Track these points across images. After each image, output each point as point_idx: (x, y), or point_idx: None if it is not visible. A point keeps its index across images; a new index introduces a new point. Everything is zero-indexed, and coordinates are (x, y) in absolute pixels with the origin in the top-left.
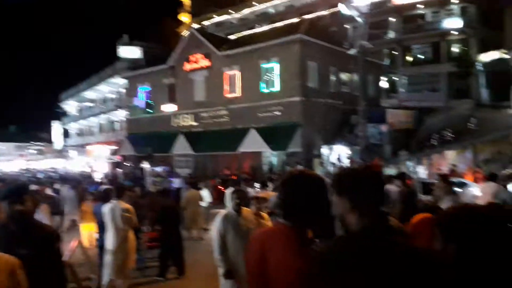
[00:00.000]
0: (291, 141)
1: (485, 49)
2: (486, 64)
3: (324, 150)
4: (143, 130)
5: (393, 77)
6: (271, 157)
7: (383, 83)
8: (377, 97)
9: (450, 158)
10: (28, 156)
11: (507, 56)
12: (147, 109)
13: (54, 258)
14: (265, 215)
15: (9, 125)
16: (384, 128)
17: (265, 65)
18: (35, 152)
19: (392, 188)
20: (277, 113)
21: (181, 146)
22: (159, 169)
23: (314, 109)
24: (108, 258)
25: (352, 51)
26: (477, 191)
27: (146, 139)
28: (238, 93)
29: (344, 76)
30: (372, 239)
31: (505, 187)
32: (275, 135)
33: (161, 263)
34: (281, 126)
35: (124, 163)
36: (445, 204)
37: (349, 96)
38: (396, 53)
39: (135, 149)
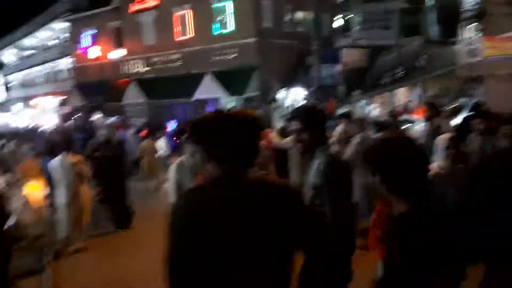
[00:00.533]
0: (248, 85)
1: None
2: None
3: (281, 93)
4: (92, 78)
5: (348, 16)
6: (229, 103)
7: (338, 22)
8: (332, 36)
9: (401, 95)
10: None
11: None
12: (95, 55)
13: None
14: None
15: None
16: (338, 67)
17: (217, 5)
18: None
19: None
20: (233, 55)
21: (133, 94)
22: (111, 119)
23: (270, 51)
24: (61, 214)
25: None
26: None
27: (96, 87)
28: (190, 35)
29: (299, 14)
30: (221, 187)
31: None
32: (231, 80)
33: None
34: (238, 69)
35: (74, 115)
36: (354, 141)
37: (305, 36)
38: None
39: (85, 99)
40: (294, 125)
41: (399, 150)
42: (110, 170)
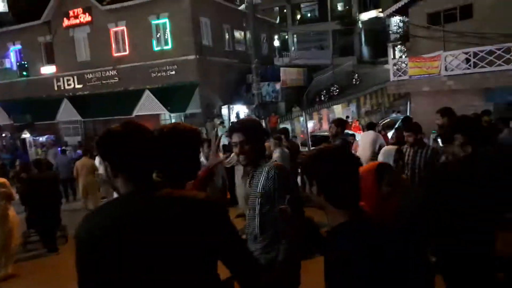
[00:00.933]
0: (189, 101)
1: (365, 8)
2: (365, 22)
3: (224, 110)
4: (18, 96)
5: (285, 36)
6: (170, 119)
7: (276, 42)
8: (271, 55)
9: (337, 112)
10: None
11: (382, 15)
12: (21, 72)
13: None
14: None
15: None
16: (277, 85)
17: (155, 21)
18: None
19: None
20: (172, 72)
21: (67, 112)
22: (43, 138)
23: (211, 68)
24: None
25: (242, 7)
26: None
27: (24, 105)
28: (126, 51)
29: (238, 34)
30: (127, 204)
31: (385, 134)
32: (172, 96)
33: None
34: (178, 86)
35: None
36: (275, 155)
37: (244, 55)
38: (285, 11)
39: (11, 118)
40: (237, 137)
41: (335, 160)
42: (41, 192)
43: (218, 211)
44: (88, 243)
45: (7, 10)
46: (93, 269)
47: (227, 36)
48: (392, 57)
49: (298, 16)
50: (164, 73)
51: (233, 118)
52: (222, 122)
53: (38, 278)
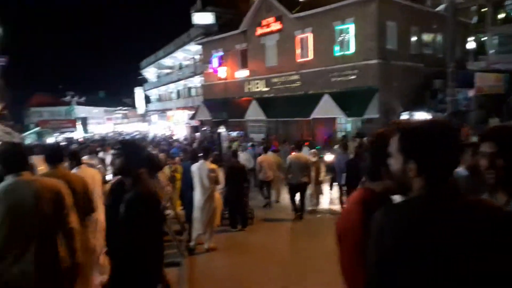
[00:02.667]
0: (367, 107)
1: None
2: None
3: (404, 116)
4: (218, 96)
5: (482, 37)
6: (346, 123)
7: (470, 44)
8: (463, 59)
9: None
10: (114, 120)
11: None
12: (221, 75)
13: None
14: None
15: (99, 91)
16: (471, 93)
17: (339, 27)
18: (121, 116)
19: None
20: (352, 77)
21: (254, 112)
22: (234, 133)
23: (393, 73)
24: (196, 215)
25: (440, 7)
26: None
27: (221, 104)
28: (310, 57)
29: (426, 36)
30: (439, 204)
31: None
32: (350, 101)
33: (230, 216)
34: (357, 91)
35: (202, 128)
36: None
37: (432, 58)
38: (486, 9)
39: (211, 114)
40: (486, 147)
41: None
42: (235, 177)
43: None
44: (393, 232)
45: (215, 22)
46: (390, 257)
47: (413, 39)
48: None
49: (501, 15)
50: (343, 78)
51: None
52: None
53: (232, 252)
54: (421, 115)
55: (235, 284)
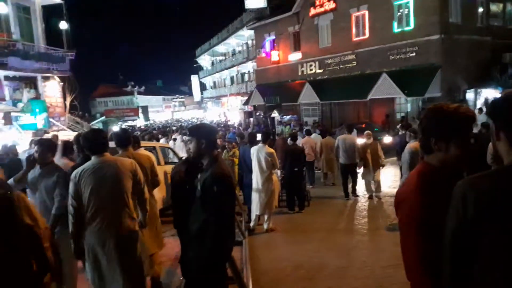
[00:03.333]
0: (428, 85)
1: None
2: None
3: (469, 94)
4: (271, 80)
5: None
6: (406, 103)
7: None
8: None
9: None
10: (172, 107)
11: None
12: (274, 59)
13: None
14: None
15: (157, 80)
16: None
17: (397, 2)
18: (178, 104)
19: None
20: (412, 54)
21: (308, 95)
22: (287, 117)
23: (456, 48)
24: (254, 196)
25: None
26: None
27: (274, 89)
28: (366, 35)
29: (494, 6)
30: None
31: None
32: (409, 80)
33: (287, 199)
34: (417, 69)
35: (255, 113)
36: None
37: (501, 30)
38: None
39: (264, 99)
40: None
41: None
42: (294, 160)
43: None
44: (480, 200)
45: (266, 6)
46: (473, 225)
47: (480, 10)
48: None
49: None
50: (402, 56)
51: (480, 104)
52: (480, 109)
53: (291, 233)
54: (489, 92)
55: (295, 264)
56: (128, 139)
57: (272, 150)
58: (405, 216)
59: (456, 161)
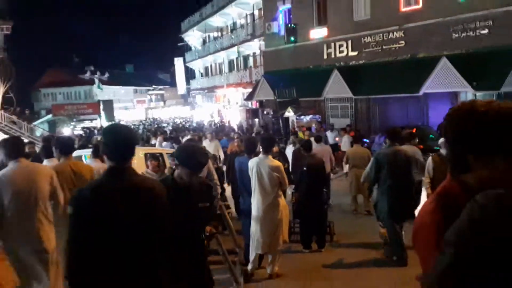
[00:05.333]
0: (507, 75)
1: None
2: None
3: None
4: (285, 66)
5: None
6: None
7: None
8: None
9: None
10: (147, 103)
11: None
12: (289, 37)
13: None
14: None
15: (126, 65)
16: None
17: None
18: (155, 98)
19: None
20: (484, 31)
21: (335, 87)
22: (306, 118)
23: None
24: (255, 229)
25: None
26: None
27: (289, 78)
28: (419, 4)
29: None
30: None
31: None
32: (480, 67)
33: (301, 232)
34: (491, 52)
35: (262, 111)
36: None
37: None
38: None
39: (275, 93)
40: None
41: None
42: (312, 179)
43: None
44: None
45: None
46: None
47: None
48: None
49: None
50: (471, 33)
51: None
52: None
53: (304, 281)
54: None
55: None
56: (72, 146)
57: (278, 163)
58: (421, 248)
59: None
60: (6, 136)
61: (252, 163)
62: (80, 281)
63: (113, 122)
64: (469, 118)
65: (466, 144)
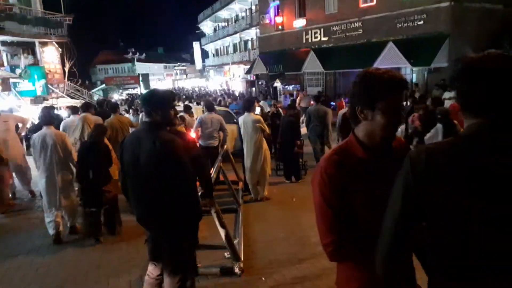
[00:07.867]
0: (435, 55)
1: None
2: None
3: None
4: (274, 48)
5: None
6: (412, 73)
7: None
8: None
9: None
10: (174, 76)
11: None
12: (277, 26)
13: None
14: None
15: (158, 47)
16: None
17: None
18: (180, 72)
19: None
20: (420, 22)
21: (311, 64)
22: (290, 87)
23: (466, 16)
24: (247, 164)
25: None
26: None
27: (278, 57)
28: (374, 1)
29: None
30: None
31: None
32: (416, 49)
33: (284, 169)
34: (424, 37)
35: (257, 82)
36: None
37: None
38: None
39: (267, 68)
40: None
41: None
42: (288, 130)
43: None
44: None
45: None
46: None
47: None
48: None
49: None
50: (410, 24)
51: None
52: None
53: (285, 203)
54: None
55: (287, 231)
56: (117, 106)
57: (259, 117)
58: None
59: (381, 131)
60: (68, 102)
61: (241, 119)
62: (126, 193)
63: (148, 89)
64: (359, 80)
65: (354, 98)
